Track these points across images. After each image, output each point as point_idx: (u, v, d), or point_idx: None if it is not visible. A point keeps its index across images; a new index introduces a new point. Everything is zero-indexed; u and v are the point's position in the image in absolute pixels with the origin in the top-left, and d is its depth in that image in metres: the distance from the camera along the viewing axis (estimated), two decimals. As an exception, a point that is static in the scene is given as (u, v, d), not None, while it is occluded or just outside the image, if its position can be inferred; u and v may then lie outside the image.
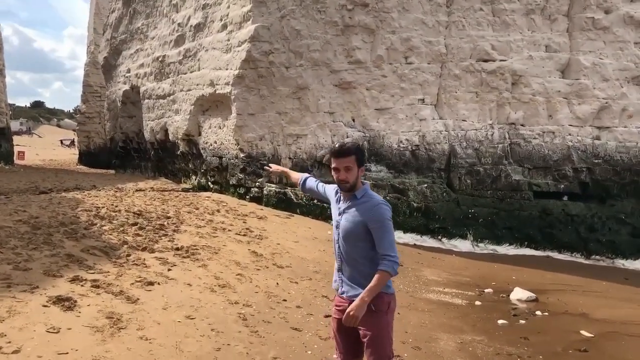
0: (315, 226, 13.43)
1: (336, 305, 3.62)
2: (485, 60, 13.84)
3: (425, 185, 13.51)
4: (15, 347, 4.35)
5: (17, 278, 5.97)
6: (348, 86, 14.46)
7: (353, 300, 3.42)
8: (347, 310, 3.31)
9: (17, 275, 6.06)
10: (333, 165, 3.46)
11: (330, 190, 3.81)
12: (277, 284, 7.91)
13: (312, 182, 4.15)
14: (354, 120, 14.52)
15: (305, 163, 15.02)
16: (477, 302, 8.59)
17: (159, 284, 6.78)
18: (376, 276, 3.29)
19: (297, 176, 4.32)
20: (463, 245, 13.09)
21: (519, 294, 9.02)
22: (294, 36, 14.85)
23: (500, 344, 6.65)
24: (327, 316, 6.73)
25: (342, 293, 3.54)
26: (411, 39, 13.95)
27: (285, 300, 7.18)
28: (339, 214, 3.52)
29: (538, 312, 8.18)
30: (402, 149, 13.88)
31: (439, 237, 13.17)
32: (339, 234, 3.51)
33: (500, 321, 7.58)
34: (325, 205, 14.45)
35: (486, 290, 9.37)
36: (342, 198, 3.57)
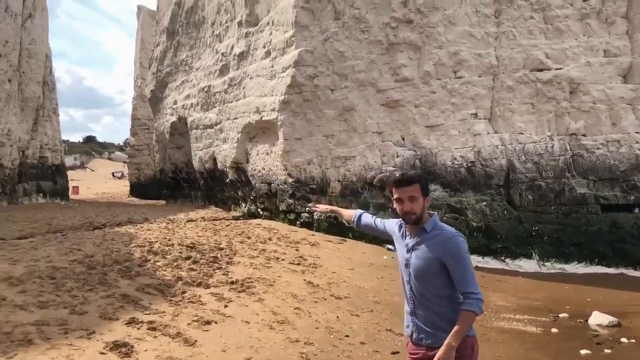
0: (370, 251, 13.00)
1: (410, 354, 3.25)
2: (540, 70, 13.17)
3: (484, 203, 12.88)
4: (73, 402, 4.14)
5: (74, 323, 5.80)
6: (396, 104, 14.09)
7: (430, 347, 3.06)
8: None
9: (74, 320, 5.90)
10: (395, 196, 3.15)
11: (392, 226, 3.47)
12: (337, 317, 7.52)
13: (368, 218, 3.80)
14: (403, 139, 14.10)
15: (354, 185, 14.67)
16: (554, 330, 7.93)
17: (216, 322, 6.51)
18: (461, 317, 2.93)
19: (349, 213, 3.98)
20: (528, 265, 12.35)
21: (598, 319, 8.29)
22: (338, 58, 14.64)
23: (588, 378, 6.04)
24: (394, 353, 6.32)
25: (418, 340, 3.17)
26: (459, 52, 13.48)
27: (347, 335, 6.78)
28: (407, 251, 3.17)
29: (624, 339, 7.45)
30: (456, 166, 13.32)
31: (502, 257, 12.48)
32: (409, 274, 3.16)
33: (583, 351, 6.92)
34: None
35: (561, 315, 8.68)
36: (408, 233, 3.23)
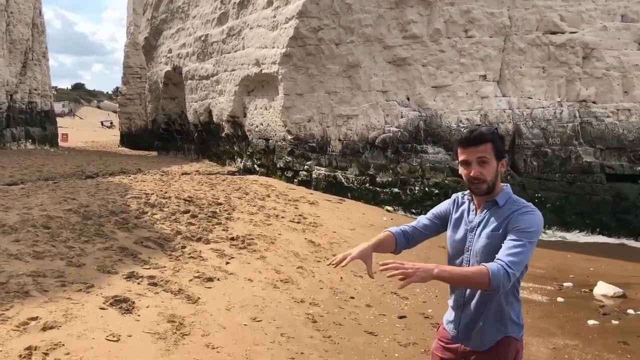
0: (369, 212, 12.78)
1: (441, 340, 2.69)
2: (554, 33, 12.72)
3: (487, 168, 12.61)
4: (75, 359, 3.89)
5: (71, 275, 5.53)
6: (402, 63, 13.63)
7: (468, 351, 2.52)
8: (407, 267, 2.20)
9: (71, 272, 5.63)
10: (461, 158, 2.48)
11: (444, 208, 2.71)
12: (342, 278, 7.32)
13: (411, 228, 2.74)
14: (408, 99, 13.71)
15: (356, 145, 14.34)
16: (559, 299, 7.80)
17: (218, 279, 6.29)
18: (472, 268, 2.30)
19: (387, 242, 2.68)
20: (528, 232, 12.20)
21: (603, 289, 8.16)
22: (345, 11, 14.06)
23: (598, 350, 5.90)
24: (401, 317, 6.14)
25: (458, 341, 2.58)
26: (472, 10, 12.96)
27: (352, 297, 6.59)
28: (471, 231, 2.51)
29: (630, 311, 7.32)
30: (461, 129, 12.98)
31: (502, 223, 12.29)
32: (468, 260, 2.48)
33: (590, 321, 6.79)
34: (377, 189, 13.77)
35: (565, 284, 8.56)
36: (470, 208, 2.57)
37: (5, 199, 9.49)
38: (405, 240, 2.71)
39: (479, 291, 2.45)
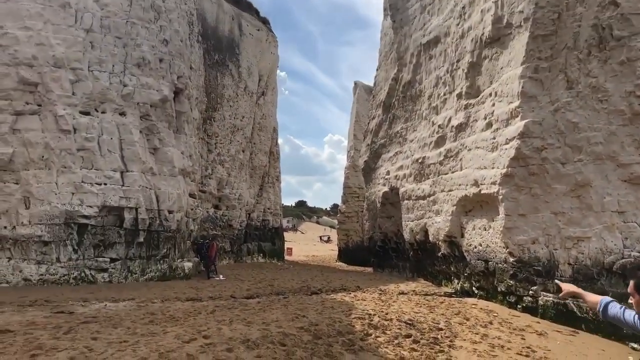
0: (610, 349, 11.21)
1: None
2: None
3: None
4: None
5: (307, 398, 5.80)
6: (641, 181, 12.37)
7: None
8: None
9: (307, 394, 5.90)
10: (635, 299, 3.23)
11: None
12: None
13: (615, 308, 3.42)
14: (652, 220, 12.22)
15: (589, 270, 13.00)
16: None
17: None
18: None
19: (594, 299, 3.61)
20: None
21: None
22: (571, 129, 13.49)
23: None
24: None
25: None
26: None
27: None
28: None
29: None
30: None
31: None
32: None
33: None
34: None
35: None
36: None
37: (246, 312, 10.53)
38: (607, 311, 3.45)
39: None
